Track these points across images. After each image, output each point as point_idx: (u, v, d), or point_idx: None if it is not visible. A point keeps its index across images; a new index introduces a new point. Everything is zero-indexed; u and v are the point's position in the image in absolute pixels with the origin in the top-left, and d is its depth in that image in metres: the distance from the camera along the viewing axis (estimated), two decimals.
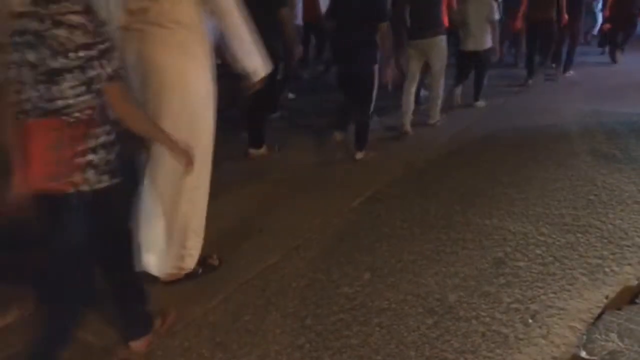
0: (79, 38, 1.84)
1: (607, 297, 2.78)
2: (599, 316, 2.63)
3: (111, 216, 2.15)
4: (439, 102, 5.91)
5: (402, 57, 5.55)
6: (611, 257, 3.16)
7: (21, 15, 1.85)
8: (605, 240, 3.34)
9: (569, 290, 2.84)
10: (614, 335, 2.48)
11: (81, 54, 1.85)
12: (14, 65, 1.90)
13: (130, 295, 2.37)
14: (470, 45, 6.36)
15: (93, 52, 1.87)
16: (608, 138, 5.27)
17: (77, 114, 1.91)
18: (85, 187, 1.96)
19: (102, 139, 1.99)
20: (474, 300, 2.76)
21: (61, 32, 1.83)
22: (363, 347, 2.43)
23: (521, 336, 2.49)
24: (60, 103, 1.88)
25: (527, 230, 3.46)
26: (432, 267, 3.07)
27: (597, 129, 5.59)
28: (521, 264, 3.09)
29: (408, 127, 5.62)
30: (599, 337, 2.48)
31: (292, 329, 2.57)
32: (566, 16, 7.67)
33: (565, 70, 8.60)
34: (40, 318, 2.16)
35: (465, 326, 2.56)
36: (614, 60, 9.69)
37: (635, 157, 4.71)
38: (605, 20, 10.01)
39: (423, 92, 6.32)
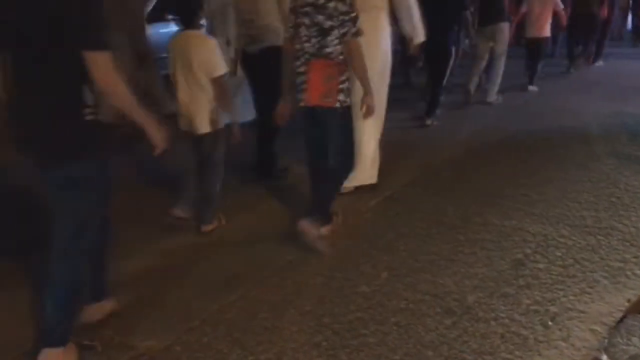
0: (342, 8, 2.93)
1: (629, 301, 2.73)
2: (621, 320, 2.59)
3: (351, 122, 3.22)
4: (498, 81, 6.93)
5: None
6: (633, 260, 3.11)
7: None
8: (627, 243, 3.29)
9: (589, 293, 2.80)
10: (636, 340, 2.44)
11: (342, 17, 2.93)
12: (293, 27, 3.12)
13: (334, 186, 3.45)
14: (531, 33, 7.37)
15: (347, 17, 2.94)
16: (631, 139, 5.19)
17: (336, 57, 3.02)
18: (337, 105, 3.07)
19: (347, 74, 3.08)
20: (493, 301, 2.73)
21: (332, 5, 2.93)
22: (380, 346, 2.42)
23: (541, 338, 2.45)
24: (326, 50, 3.01)
25: (547, 232, 3.42)
26: (450, 267, 3.05)
27: (620, 130, 5.51)
28: (541, 265, 3.05)
29: (471, 93, 6.97)
30: (620, 340, 2.44)
31: (309, 327, 2.56)
32: (605, 10, 8.47)
33: (595, 60, 9.38)
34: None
35: (484, 327, 2.53)
36: None
37: None
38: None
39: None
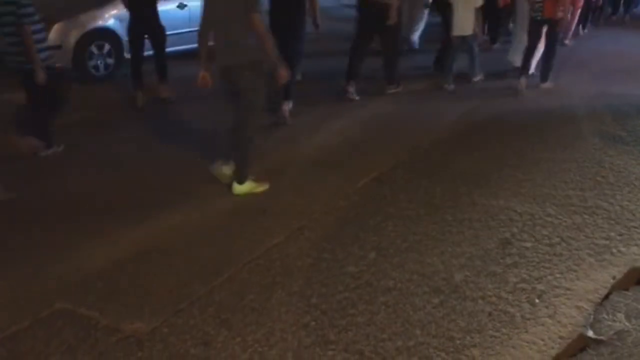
0: None
1: (614, 278, 2.77)
2: (606, 296, 2.62)
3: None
4: (572, 27, 9.10)
5: None
6: (618, 238, 3.14)
7: None
8: (613, 222, 3.32)
9: (575, 271, 2.82)
10: (621, 316, 2.47)
11: None
12: None
13: None
14: None
15: None
16: (615, 120, 5.22)
17: None
18: (557, 18, 6.06)
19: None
20: (480, 280, 2.75)
21: None
22: (369, 326, 2.42)
23: (528, 316, 2.48)
24: None
25: (534, 211, 3.44)
26: (438, 247, 3.06)
27: (605, 111, 5.53)
28: (528, 244, 3.07)
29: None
30: (606, 317, 2.47)
31: (298, 308, 2.56)
32: None
33: (626, 13, 11.91)
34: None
35: (471, 305, 2.55)
36: None
37: None
38: None
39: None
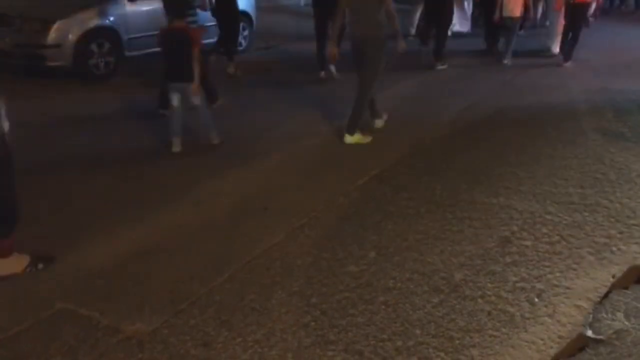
0: None
1: (614, 276, 2.77)
2: (606, 295, 2.62)
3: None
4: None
5: None
6: (618, 236, 3.14)
7: None
8: (613, 219, 3.32)
9: (575, 269, 2.82)
10: (620, 315, 2.47)
11: None
12: None
13: None
14: None
15: None
16: (617, 116, 5.21)
17: None
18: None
19: None
20: (480, 279, 2.75)
21: None
22: (369, 326, 2.43)
23: (527, 315, 2.48)
24: None
25: (534, 209, 3.44)
26: (437, 245, 3.06)
27: (606, 107, 5.52)
28: (528, 242, 3.07)
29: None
30: (605, 316, 2.47)
31: (298, 308, 2.57)
32: None
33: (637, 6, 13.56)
34: None
35: (471, 305, 2.55)
36: None
37: None
38: None
39: None
